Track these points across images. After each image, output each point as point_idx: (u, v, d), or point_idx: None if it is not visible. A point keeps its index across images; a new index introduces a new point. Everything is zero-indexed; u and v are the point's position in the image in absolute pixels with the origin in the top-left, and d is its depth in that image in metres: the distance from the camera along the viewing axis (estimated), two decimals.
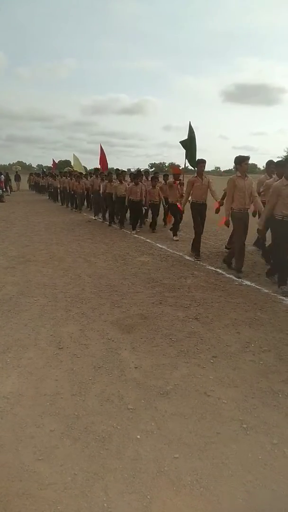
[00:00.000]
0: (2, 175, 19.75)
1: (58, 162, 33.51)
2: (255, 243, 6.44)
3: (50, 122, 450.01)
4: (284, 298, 4.12)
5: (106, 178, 9.75)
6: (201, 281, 4.76)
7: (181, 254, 6.34)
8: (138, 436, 1.93)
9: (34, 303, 3.89)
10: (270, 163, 5.88)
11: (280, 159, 7.20)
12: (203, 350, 2.88)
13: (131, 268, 5.39)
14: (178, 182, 7.59)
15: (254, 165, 59.17)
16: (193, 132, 8.34)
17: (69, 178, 14.10)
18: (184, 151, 8.27)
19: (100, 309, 3.75)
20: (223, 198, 5.70)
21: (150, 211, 9.01)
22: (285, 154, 38.64)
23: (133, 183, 8.43)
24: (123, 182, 9.02)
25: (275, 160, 5.80)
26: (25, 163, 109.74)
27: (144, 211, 9.41)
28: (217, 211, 5.87)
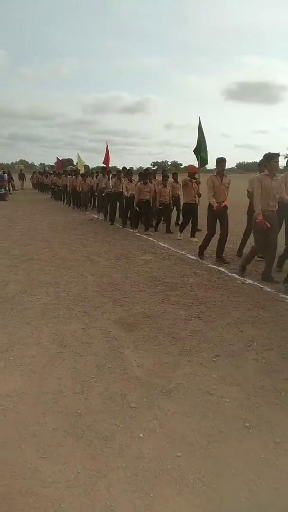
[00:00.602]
0: (5, 174, 19.83)
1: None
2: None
3: (52, 121, 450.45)
4: (286, 296, 4.11)
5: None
6: (203, 279, 4.76)
7: (183, 252, 6.33)
8: (141, 435, 1.93)
9: (37, 301, 3.90)
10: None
11: (283, 157, 7.19)
12: (205, 348, 2.88)
13: (134, 266, 5.39)
14: (195, 180, 7.16)
15: (256, 163, 58.96)
16: (202, 128, 8.40)
17: (74, 177, 14.09)
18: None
19: (102, 307, 3.75)
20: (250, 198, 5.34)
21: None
22: (287, 152, 38.51)
23: (142, 182, 8.07)
24: (132, 181, 8.73)
25: None
26: (28, 162, 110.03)
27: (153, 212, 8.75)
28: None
